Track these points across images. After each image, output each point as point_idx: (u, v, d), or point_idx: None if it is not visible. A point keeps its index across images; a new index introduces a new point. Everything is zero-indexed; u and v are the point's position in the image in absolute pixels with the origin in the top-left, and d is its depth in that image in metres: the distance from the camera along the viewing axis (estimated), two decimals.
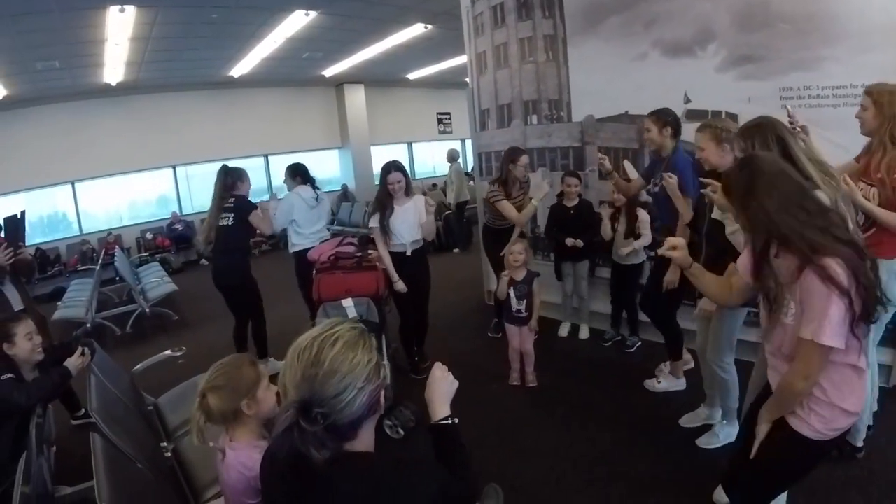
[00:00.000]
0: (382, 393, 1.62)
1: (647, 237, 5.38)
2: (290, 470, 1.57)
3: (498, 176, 5.95)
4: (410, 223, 5.28)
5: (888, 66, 4.05)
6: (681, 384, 4.95)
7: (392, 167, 5.28)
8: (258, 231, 5.84)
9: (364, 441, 1.61)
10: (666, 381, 4.99)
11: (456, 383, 2.03)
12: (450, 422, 1.93)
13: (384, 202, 5.23)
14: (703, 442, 4.01)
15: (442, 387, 1.98)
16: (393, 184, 5.19)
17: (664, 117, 4.54)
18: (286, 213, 6.16)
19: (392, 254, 5.30)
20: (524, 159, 5.80)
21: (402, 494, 1.52)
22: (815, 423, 2.20)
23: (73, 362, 3.71)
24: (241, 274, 5.79)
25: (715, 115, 4.87)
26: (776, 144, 2.76)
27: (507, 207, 5.79)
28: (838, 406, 2.17)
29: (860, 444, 3.65)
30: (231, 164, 5.80)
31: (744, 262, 2.47)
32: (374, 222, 5.25)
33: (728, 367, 3.80)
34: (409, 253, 5.36)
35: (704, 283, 2.73)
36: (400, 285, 5.28)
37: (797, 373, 2.15)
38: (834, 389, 2.17)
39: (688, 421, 4.34)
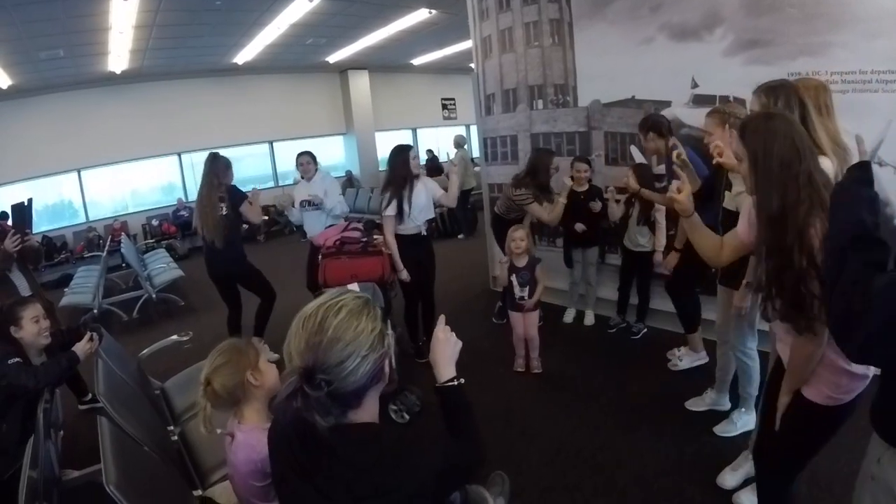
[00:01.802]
0: (387, 362, 1.62)
1: (662, 236, 5.38)
2: (295, 436, 1.59)
3: (528, 179, 5.90)
4: (424, 202, 5.33)
5: None
6: (702, 357, 4.96)
7: (409, 146, 5.37)
8: (245, 220, 5.95)
9: (368, 411, 1.61)
10: (687, 358, 5.01)
11: (459, 343, 2.02)
12: (455, 383, 1.92)
13: (405, 182, 5.24)
14: (720, 430, 3.99)
15: (446, 349, 1.97)
16: (415, 158, 5.28)
17: (645, 124, 4.77)
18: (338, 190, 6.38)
19: (407, 236, 5.32)
20: (556, 160, 5.87)
21: (405, 466, 1.52)
22: (824, 389, 2.21)
23: (81, 347, 3.72)
24: (241, 262, 5.88)
25: (723, 100, 4.85)
26: (798, 106, 2.75)
27: (539, 210, 5.85)
28: (844, 368, 2.16)
29: None
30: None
31: (743, 224, 2.52)
32: (391, 210, 5.23)
33: (751, 352, 3.76)
34: (424, 232, 5.44)
35: (699, 236, 2.72)
36: (404, 275, 5.30)
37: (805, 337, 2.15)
38: (837, 354, 2.14)
39: (692, 404, 4.35)
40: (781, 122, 2.16)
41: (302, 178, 6.38)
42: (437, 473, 1.57)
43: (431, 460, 1.58)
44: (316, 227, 6.16)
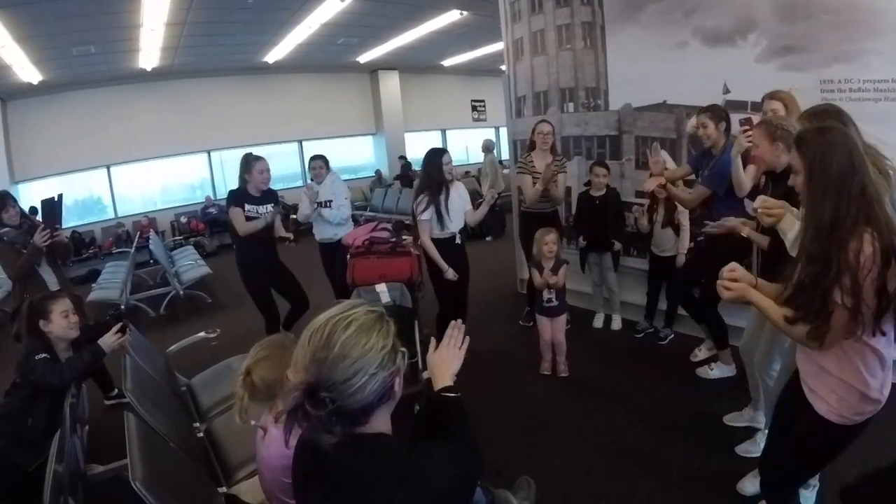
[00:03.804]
0: (398, 380, 1.59)
1: (685, 238, 5.33)
2: (308, 448, 1.57)
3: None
4: (458, 209, 5.28)
5: None
6: (731, 370, 4.93)
7: (444, 150, 5.32)
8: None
9: (377, 426, 1.57)
10: (718, 369, 4.98)
11: (461, 359, 2.04)
12: (452, 394, 1.93)
13: (441, 188, 5.18)
14: (743, 450, 3.89)
15: (451, 361, 2.01)
16: (448, 164, 5.20)
17: (720, 113, 4.53)
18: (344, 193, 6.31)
19: (442, 240, 5.26)
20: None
21: (417, 479, 1.50)
22: (837, 408, 2.21)
23: (106, 340, 3.73)
24: (241, 265, 5.76)
25: (755, 106, 4.81)
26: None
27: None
28: (859, 390, 2.17)
29: None
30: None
31: None
32: (427, 214, 5.16)
33: (775, 373, 3.66)
34: (458, 240, 5.38)
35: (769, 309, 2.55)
36: (450, 274, 5.21)
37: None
38: (855, 373, 2.17)
39: (731, 420, 4.24)
40: (839, 135, 2.15)
41: (312, 180, 6.42)
42: (448, 489, 1.56)
43: (444, 475, 1.55)
44: (324, 229, 6.25)
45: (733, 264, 2.47)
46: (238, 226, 5.51)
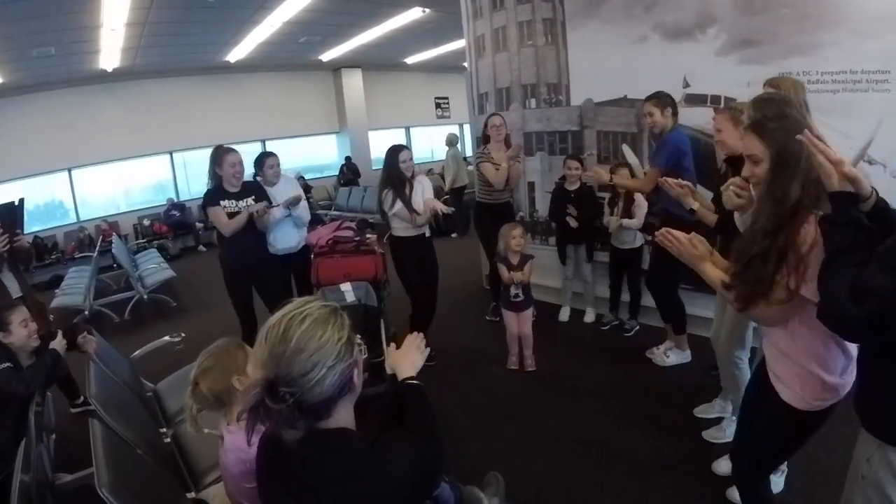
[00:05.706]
0: (356, 371, 1.62)
1: (637, 220, 5.35)
2: (271, 445, 1.60)
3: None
4: (421, 204, 5.26)
5: (887, 52, 4.05)
6: (686, 356, 5.04)
7: (402, 147, 5.30)
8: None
9: (340, 420, 1.60)
10: (674, 356, 5.06)
11: (425, 356, 2.13)
12: (415, 383, 1.99)
13: (402, 184, 5.19)
14: (710, 435, 3.95)
15: (415, 354, 2.09)
16: (406, 161, 5.18)
17: (664, 99, 4.58)
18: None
19: (409, 237, 5.30)
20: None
21: (378, 474, 1.53)
22: (801, 393, 2.21)
23: (56, 343, 3.74)
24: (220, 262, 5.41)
25: (714, 100, 4.88)
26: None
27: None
28: (820, 377, 2.15)
29: None
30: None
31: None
32: (397, 207, 5.14)
33: (740, 362, 3.70)
34: (427, 234, 5.41)
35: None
36: (442, 206, 5.21)
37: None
38: (816, 359, 2.15)
39: (702, 411, 4.27)
40: (800, 115, 2.13)
41: (257, 178, 5.69)
42: (410, 480, 1.58)
43: (404, 466, 1.58)
44: (289, 236, 5.62)
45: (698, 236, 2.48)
46: (221, 226, 5.12)
